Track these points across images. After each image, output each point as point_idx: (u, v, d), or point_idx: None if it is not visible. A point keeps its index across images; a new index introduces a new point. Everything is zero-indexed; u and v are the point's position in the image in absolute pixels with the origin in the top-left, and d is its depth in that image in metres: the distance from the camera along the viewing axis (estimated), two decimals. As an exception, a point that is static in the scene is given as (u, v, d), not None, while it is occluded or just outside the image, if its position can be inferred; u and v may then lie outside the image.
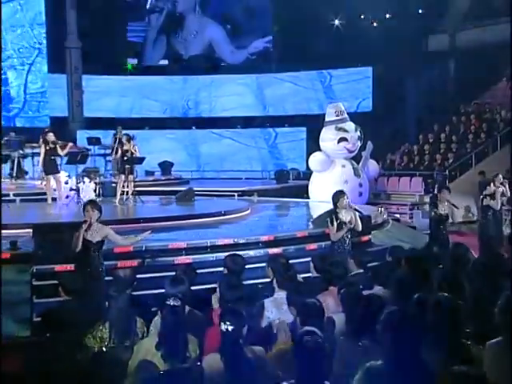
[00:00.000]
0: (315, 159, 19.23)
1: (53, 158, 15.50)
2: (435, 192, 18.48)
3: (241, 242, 10.49)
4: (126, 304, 5.23)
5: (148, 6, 28.91)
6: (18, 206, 15.18)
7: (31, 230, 9.36)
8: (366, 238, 11.61)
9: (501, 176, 14.79)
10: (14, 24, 25.02)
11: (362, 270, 6.78)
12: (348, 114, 19.98)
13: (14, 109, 25.01)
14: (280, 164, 25.96)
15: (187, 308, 5.48)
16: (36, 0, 25.41)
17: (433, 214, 10.64)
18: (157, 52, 29.08)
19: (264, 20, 28.33)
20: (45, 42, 25.38)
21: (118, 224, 11.91)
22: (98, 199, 16.28)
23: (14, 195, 15.88)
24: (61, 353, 5.04)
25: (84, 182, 16.50)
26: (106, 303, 5.46)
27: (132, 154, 15.66)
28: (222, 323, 4.38)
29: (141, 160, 15.96)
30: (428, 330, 4.37)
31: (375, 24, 28.63)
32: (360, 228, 9.50)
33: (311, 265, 6.76)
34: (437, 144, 22.56)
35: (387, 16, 28.26)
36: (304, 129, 25.55)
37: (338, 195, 9.43)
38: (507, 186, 14.54)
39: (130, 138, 15.82)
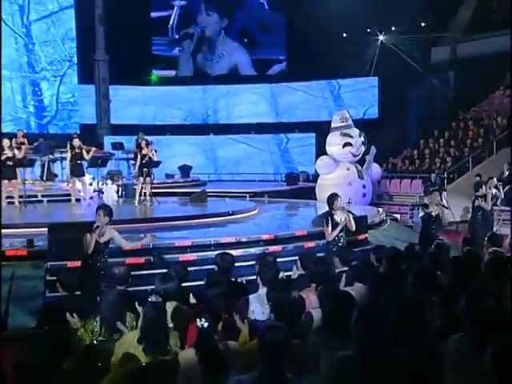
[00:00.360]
0: (322, 163, 19.29)
1: (79, 161, 15.56)
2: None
3: (243, 240, 10.38)
4: (116, 299, 5.12)
5: (171, 23, 28.96)
6: (45, 206, 15.18)
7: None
8: (362, 237, 11.47)
9: (495, 179, 14.57)
10: (47, 39, 25.19)
11: (346, 268, 6.62)
12: (355, 120, 19.88)
13: (47, 117, 25.15)
14: (291, 167, 25.78)
15: (174, 304, 5.38)
16: (67, 17, 25.54)
17: (423, 214, 10.46)
18: (188, 70, 29.02)
19: (279, 35, 28.29)
20: (75, 55, 25.50)
21: (134, 223, 11.95)
22: (120, 200, 16.43)
23: (42, 196, 15.90)
24: (57, 344, 5.00)
25: (107, 184, 16.53)
26: (98, 298, 5.35)
27: (150, 158, 15.61)
28: (198, 319, 4.26)
29: (157, 164, 15.87)
30: (394, 326, 4.24)
31: (381, 37, 28.46)
32: (354, 228, 9.36)
33: (298, 263, 6.63)
34: (436, 148, 22.31)
35: (393, 29, 28.07)
36: (313, 134, 25.37)
37: (332, 198, 9.30)
38: (501, 189, 14.31)
39: (148, 143, 15.75)
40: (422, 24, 27.36)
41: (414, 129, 25.19)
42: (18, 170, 14.90)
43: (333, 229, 9.07)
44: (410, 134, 25.21)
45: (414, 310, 4.25)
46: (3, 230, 10.59)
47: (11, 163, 14.42)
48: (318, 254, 7.79)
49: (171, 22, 28.96)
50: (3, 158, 14.28)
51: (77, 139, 15.97)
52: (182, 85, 28.06)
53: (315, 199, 18.69)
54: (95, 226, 7.66)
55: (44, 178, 18.88)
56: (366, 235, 11.61)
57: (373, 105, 26.69)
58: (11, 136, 16.60)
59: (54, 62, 25.27)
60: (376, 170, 19.91)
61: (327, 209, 9.58)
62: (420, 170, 21.45)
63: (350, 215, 9.21)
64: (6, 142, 14.75)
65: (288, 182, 22.23)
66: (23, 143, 17.58)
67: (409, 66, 25.12)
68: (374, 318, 3.94)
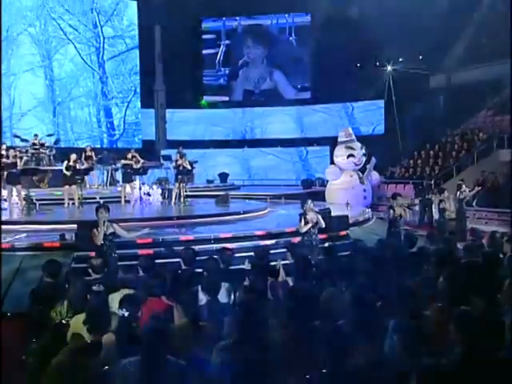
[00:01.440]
0: (330, 170, 19.23)
1: (129, 170, 15.64)
2: (426, 196, 17.69)
3: (239, 235, 10.12)
4: (82, 287, 4.97)
5: (218, 58, 28.87)
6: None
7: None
8: (343, 233, 11.09)
9: (464, 186, 13.98)
10: (117, 73, 25.46)
11: (293, 261, 6.32)
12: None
13: (116, 135, 25.39)
14: (309, 174, 25.34)
15: (131, 291, 5.19)
16: (133, 56, 25.76)
17: (390, 215, 10.00)
18: (238, 92, 28.80)
19: (304, 66, 27.89)
20: (139, 85, 25.70)
21: (161, 220, 11.88)
22: (165, 201, 16.37)
23: (99, 198, 15.95)
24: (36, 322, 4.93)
25: (153, 189, 16.53)
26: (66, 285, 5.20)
27: (184, 167, 15.52)
28: (120, 309, 4.06)
29: (188, 172, 15.79)
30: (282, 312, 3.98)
31: (389, 67, 27.74)
32: (323, 225, 9.08)
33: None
34: (427, 158, 21.57)
35: (400, 59, 27.35)
36: (328, 148, 24.84)
37: (304, 201, 9.19)
38: (467, 191, 13.68)
39: (182, 156, 15.64)
40: (420, 57, 26.68)
41: (411, 142, 24.39)
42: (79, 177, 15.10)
43: (305, 225, 8.88)
44: (407, 147, 24.46)
45: (303, 297, 3.99)
46: (49, 226, 10.82)
47: (71, 173, 14.62)
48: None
49: (218, 58, 28.90)
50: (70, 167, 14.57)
51: (130, 153, 16.12)
52: (226, 108, 27.97)
53: (325, 200, 18.29)
54: (102, 221, 7.64)
55: (108, 183, 19.08)
56: (348, 231, 11.22)
57: (380, 123, 26.06)
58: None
59: (122, 92, 25.51)
60: (375, 176, 19.51)
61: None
62: (413, 177, 20.75)
63: (319, 215, 8.98)
64: (73, 157, 14.90)
65: (304, 186, 21.90)
66: (90, 156, 17.85)
67: (410, 91, 24.40)
68: (252, 308, 3.68)
